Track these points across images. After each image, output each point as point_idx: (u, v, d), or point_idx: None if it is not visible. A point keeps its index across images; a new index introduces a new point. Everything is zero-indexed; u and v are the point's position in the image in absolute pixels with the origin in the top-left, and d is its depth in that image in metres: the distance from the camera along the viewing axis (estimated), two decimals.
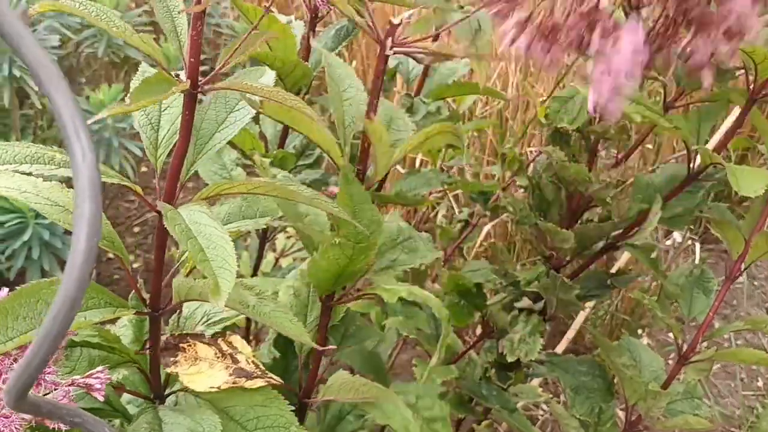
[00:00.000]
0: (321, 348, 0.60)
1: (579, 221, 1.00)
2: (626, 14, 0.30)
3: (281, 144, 0.98)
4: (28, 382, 0.22)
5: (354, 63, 2.23)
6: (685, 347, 0.93)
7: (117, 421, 0.57)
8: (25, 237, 1.20)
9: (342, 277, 0.60)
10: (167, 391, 0.59)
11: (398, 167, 1.54)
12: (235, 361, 0.52)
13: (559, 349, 1.64)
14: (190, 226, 0.40)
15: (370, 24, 0.52)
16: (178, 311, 0.62)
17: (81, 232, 0.20)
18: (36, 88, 1.35)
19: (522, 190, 1.29)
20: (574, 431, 0.90)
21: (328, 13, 0.87)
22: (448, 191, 1.65)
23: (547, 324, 1.02)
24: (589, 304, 1.59)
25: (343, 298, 0.63)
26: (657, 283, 1.81)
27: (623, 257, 1.65)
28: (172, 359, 0.51)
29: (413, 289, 0.58)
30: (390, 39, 0.51)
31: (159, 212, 0.45)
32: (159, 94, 0.39)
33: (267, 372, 0.53)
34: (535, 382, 1.54)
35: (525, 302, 0.99)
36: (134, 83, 0.55)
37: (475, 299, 1.01)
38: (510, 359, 0.88)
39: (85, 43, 1.64)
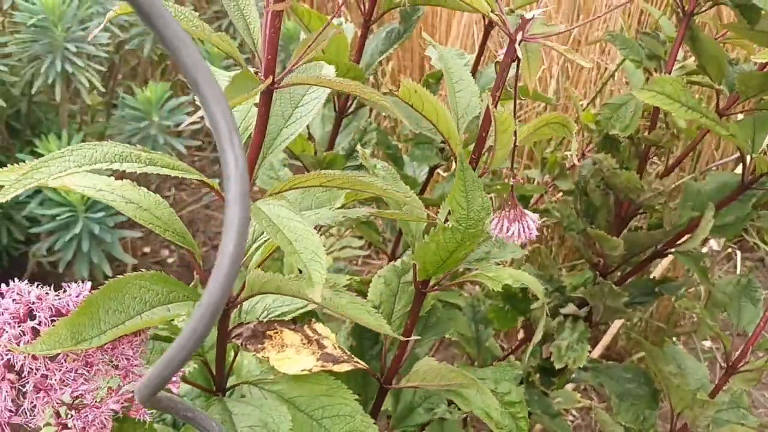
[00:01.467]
0: (407, 338, 0.61)
1: (627, 228, 0.99)
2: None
3: (330, 146, 0.98)
4: (165, 379, 0.23)
5: (390, 64, 2.24)
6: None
7: None
8: (76, 230, 1.22)
9: (447, 262, 0.60)
10: (228, 384, 0.61)
11: (439, 170, 1.54)
12: (321, 346, 0.53)
13: (594, 355, 1.63)
14: (273, 220, 0.41)
15: (503, 19, 0.56)
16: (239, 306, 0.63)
17: (230, 237, 0.21)
18: (86, 84, 1.38)
19: (561, 194, 1.28)
20: None
21: (381, 15, 0.87)
22: None
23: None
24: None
25: (439, 285, 0.63)
26: (692, 291, 1.79)
27: (660, 265, 1.64)
28: (260, 345, 0.52)
29: (518, 274, 0.58)
30: (521, 32, 0.54)
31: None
32: (247, 92, 0.40)
33: (353, 356, 0.54)
34: (569, 387, 1.54)
35: (570, 308, 0.99)
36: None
37: (519, 303, 1.01)
38: (558, 366, 0.88)
39: (131, 41, 1.66)
